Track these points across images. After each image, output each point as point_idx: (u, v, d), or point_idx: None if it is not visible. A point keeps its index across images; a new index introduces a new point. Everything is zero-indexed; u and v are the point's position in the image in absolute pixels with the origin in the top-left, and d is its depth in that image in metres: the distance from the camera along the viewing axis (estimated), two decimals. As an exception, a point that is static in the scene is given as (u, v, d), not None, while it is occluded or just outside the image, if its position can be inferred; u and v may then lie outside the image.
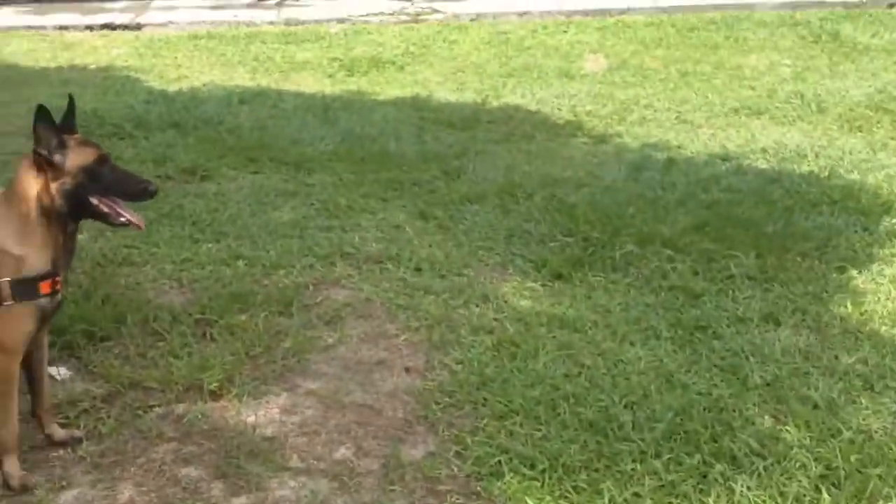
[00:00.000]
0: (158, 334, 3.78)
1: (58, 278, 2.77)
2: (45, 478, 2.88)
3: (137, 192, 2.90)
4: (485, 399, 3.28)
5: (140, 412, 3.24)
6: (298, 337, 3.78)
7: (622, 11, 11.36)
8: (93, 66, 9.56)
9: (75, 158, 2.73)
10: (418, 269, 4.45)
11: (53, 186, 2.69)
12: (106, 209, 2.80)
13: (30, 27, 11.78)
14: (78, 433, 3.10)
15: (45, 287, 2.72)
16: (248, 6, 12.85)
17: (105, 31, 11.56)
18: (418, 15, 11.96)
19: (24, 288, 2.68)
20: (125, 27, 11.72)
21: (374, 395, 3.38)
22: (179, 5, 12.82)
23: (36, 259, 2.70)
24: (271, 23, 11.82)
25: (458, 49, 10.09)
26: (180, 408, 3.27)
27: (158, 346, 3.69)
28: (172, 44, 10.65)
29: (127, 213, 2.85)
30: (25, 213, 2.69)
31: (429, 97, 8.11)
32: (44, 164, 2.70)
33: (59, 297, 2.83)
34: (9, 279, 2.66)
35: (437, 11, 12.10)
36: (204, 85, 8.57)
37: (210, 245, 4.78)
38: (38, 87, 8.48)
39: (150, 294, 4.19)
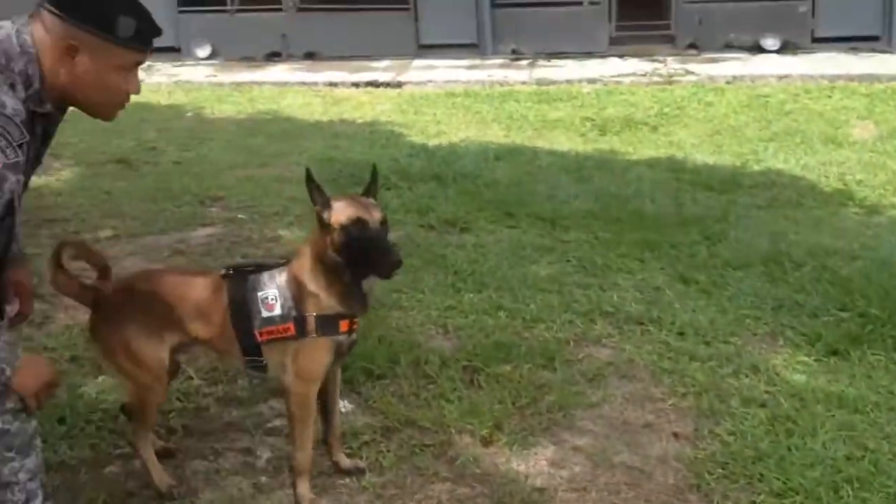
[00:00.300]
0: (429, 377, 3.95)
1: (355, 320, 2.99)
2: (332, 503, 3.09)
3: (390, 263, 2.90)
4: (761, 474, 3.18)
5: (416, 450, 3.39)
6: (562, 392, 3.83)
7: (892, 77, 10.81)
8: (360, 121, 10.20)
9: (337, 216, 2.87)
10: (681, 334, 4.40)
11: (327, 241, 2.88)
12: (377, 264, 2.90)
13: (303, 83, 12.75)
14: (361, 464, 3.29)
15: (343, 325, 2.95)
16: (502, 66, 13.30)
17: (370, 88, 12.32)
18: (671, 76, 11.91)
19: (327, 323, 2.92)
20: (388, 85, 12.45)
21: (642, 458, 3.36)
22: (438, 65, 13.47)
23: (327, 299, 2.91)
24: (524, 82, 12.16)
25: (713, 111, 9.96)
26: (453, 450, 3.40)
27: (429, 388, 3.86)
28: (431, 101, 11.20)
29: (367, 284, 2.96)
30: (313, 260, 2.92)
31: (685, 159, 8.04)
32: (324, 226, 2.90)
33: (354, 336, 3.05)
34: (314, 314, 2.91)
35: (690, 73, 12.02)
36: (461, 140, 8.93)
37: (472, 295, 4.95)
38: (313, 138, 9.16)
39: (420, 338, 4.38)
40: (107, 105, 2.35)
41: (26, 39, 2.18)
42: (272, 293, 2.93)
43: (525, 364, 4.07)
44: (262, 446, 3.44)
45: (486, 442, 3.45)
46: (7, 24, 2.22)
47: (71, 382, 3.91)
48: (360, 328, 4.28)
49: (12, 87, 2.13)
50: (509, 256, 5.56)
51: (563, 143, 8.87)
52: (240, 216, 6.48)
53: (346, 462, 3.27)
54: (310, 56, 14.56)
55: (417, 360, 4.07)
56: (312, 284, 2.92)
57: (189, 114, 10.71)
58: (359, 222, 2.84)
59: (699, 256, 5.46)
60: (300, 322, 2.90)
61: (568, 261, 5.48)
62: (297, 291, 2.93)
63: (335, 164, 7.84)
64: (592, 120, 9.81)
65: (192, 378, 3.94)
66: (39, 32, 2.20)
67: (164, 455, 3.25)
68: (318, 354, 2.96)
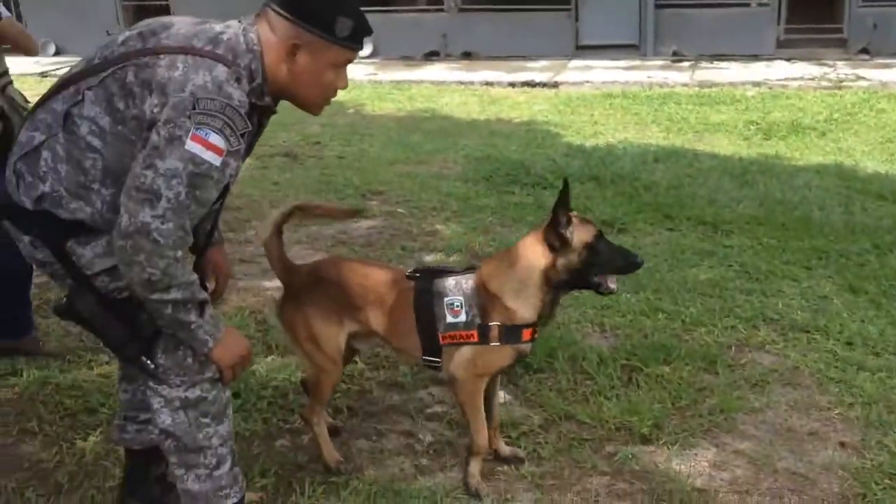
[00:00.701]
0: (587, 373, 3.96)
1: (537, 329, 3.03)
2: (492, 489, 3.14)
3: (630, 265, 3.04)
4: (935, 488, 3.05)
5: (574, 443, 3.41)
6: (724, 395, 3.76)
7: None
8: (516, 120, 10.27)
9: (580, 236, 2.91)
10: (849, 344, 4.25)
11: (560, 262, 2.91)
12: (598, 279, 2.97)
13: (460, 82, 12.93)
14: (521, 452, 3.34)
15: (526, 334, 2.99)
16: (662, 67, 13.09)
17: (526, 88, 12.37)
18: (841, 81, 11.45)
19: (511, 333, 2.97)
20: (544, 85, 12.46)
21: (806, 465, 3.27)
22: (596, 66, 13.39)
23: (524, 312, 2.97)
24: (685, 84, 11.94)
25: (886, 118, 9.52)
26: (611, 445, 3.40)
27: (587, 385, 3.87)
28: (588, 102, 11.15)
29: (612, 283, 3.01)
30: (527, 278, 2.95)
31: (855, 166, 7.73)
32: (555, 241, 2.90)
33: (534, 343, 3.10)
34: (499, 324, 2.96)
35: (861, 78, 11.52)
36: (619, 142, 8.86)
37: (629, 295, 4.92)
38: (470, 136, 9.28)
39: (576, 335, 4.39)
40: (317, 100, 2.50)
41: (252, 38, 2.35)
42: (458, 300, 2.99)
43: (685, 366, 4.02)
44: (424, 430, 3.53)
45: (646, 440, 3.43)
46: (234, 23, 2.39)
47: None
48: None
49: (238, 80, 2.29)
50: (668, 259, 5.50)
51: (726, 146, 8.66)
52: (399, 210, 6.65)
53: (505, 449, 3.33)
54: (467, 55, 14.75)
55: (575, 357, 4.08)
56: (510, 299, 2.96)
57: (350, 110, 11.03)
58: (599, 237, 2.94)
59: (869, 266, 5.25)
60: (484, 331, 2.96)
61: (730, 266, 5.37)
62: (485, 301, 2.97)
63: (491, 162, 7.92)
64: (757, 124, 9.54)
65: (356, 361, 4.08)
66: (265, 32, 2.36)
67: (330, 433, 3.38)
68: (496, 358, 3.03)
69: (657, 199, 6.70)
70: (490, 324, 2.94)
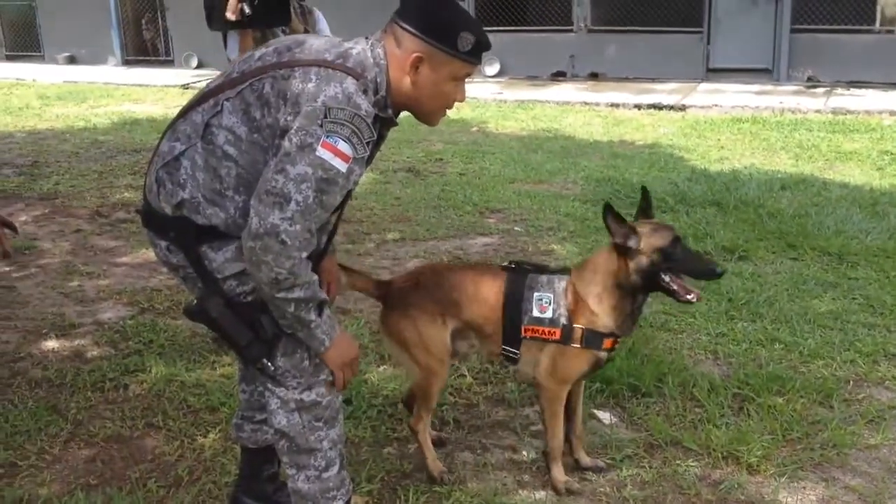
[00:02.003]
0: (696, 400, 3.93)
1: (618, 339, 3.13)
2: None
3: (706, 271, 3.13)
4: None
5: (679, 469, 3.39)
6: (837, 430, 3.67)
7: None
8: (639, 142, 10.18)
9: (650, 241, 3.02)
10: (978, 385, 4.08)
11: (631, 265, 3.03)
12: (675, 286, 3.04)
13: (585, 103, 12.90)
14: (601, 463, 3.40)
15: (608, 343, 3.09)
16: (795, 93, 12.76)
17: (652, 111, 12.25)
18: None
19: (593, 338, 3.07)
20: (671, 108, 12.31)
21: (922, 507, 3.17)
22: (726, 90, 13.15)
23: (605, 319, 3.07)
24: (818, 111, 11.60)
25: None
26: (717, 473, 3.37)
27: (696, 412, 3.84)
28: (716, 126, 10.96)
29: (693, 291, 3.06)
30: (605, 282, 3.08)
31: None
32: (621, 250, 3.05)
33: (613, 354, 3.19)
34: (583, 327, 3.06)
35: None
36: (745, 167, 8.67)
37: (745, 324, 4.84)
38: (591, 157, 9.27)
39: (688, 361, 4.35)
40: (436, 111, 2.61)
41: (379, 53, 2.48)
42: (547, 296, 3.12)
43: (799, 398, 3.94)
44: (528, 447, 3.58)
45: (753, 470, 3.38)
46: (363, 40, 2.53)
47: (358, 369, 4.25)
48: (628, 346, 4.38)
49: (365, 92, 2.41)
50: (789, 288, 5.38)
51: (857, 176, 8.37)
52: (516, 228, 6.70)
53: (586, 460, 3.40)
54: (594, 76, 14.71)
55: (685, 383, 4.05)
56: (594, 302, 3.08)
57: (474, 128, 11.16)
58: (675, 241, 3.03)
59: None
60: (568, 331, 3.07)
61: (853, 298, 5.21)
62: (574, 303, 3.09)
63: (612, 183, 7.89)
64: (891, 153, 9.18)
65: (464, 376, 4.16)
66: (391, 46, 2.49)
67: (436, 443, 3.47)
68: (576, 363, 3.12)
69: (781, 227, 6.55)
70: (574, 325, 3.06)
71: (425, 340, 3.20)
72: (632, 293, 3.07)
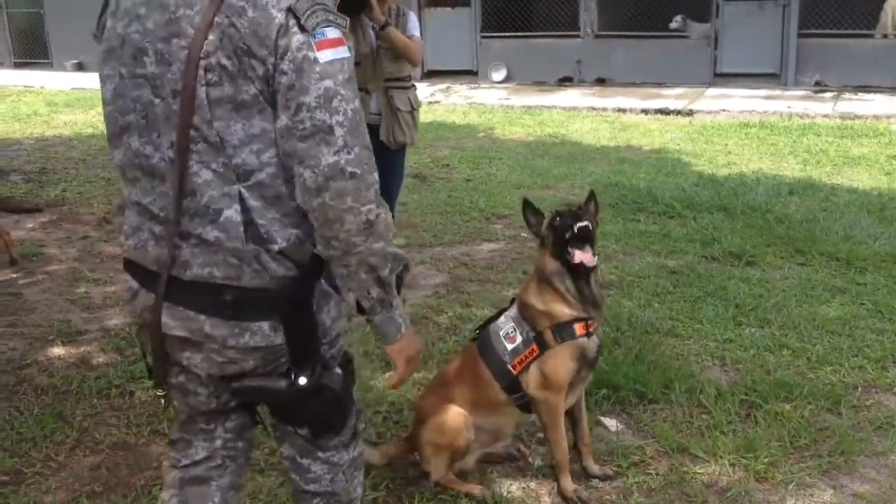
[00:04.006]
0: (703, 406, 3.90)
1: (590, 321, 3.16)
2: (598, 516, 3.15)
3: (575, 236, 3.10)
4: None
5: (686, 476, 3.37)
6: (846, 437, 3.64)
7: None
8: (646, 148, 10.16)
9: (547, 223, 3.17)
10: None
11: (546, 250, 3.17)
12: (577, 257, 3.08)
13: (592, 108, 12.89)
14: (610, 471, 3.39)
15: (579, 328, 3.13)
16: (803, 98, 12.73)
17: (659, 116, 12.23)
18: None
19: (563, 329, 3.13)
20: (678, 112, 12.29)
21: (931, 514, 3.15)
22: (733, 94, 13.13)
23: (560, 308, 3.14)
24: (826, 116, 11.57)
25: None
26: (724, 481, 3.35)
27: (703, 418, 3.81)
28: (723, 130, 10.93)
29: (577, 256, 3.08)
30: (539, 279, 3.20)
31: None
32: (542, 242, 3.20)
33: (595, 339, 3.20)
34: (548, 326, 3.12)
35: None
36: (753, 172, 8.66)
37: (753, 329, 4.82)
38: (598, 163, 9.26)
39: (695, 367, 4.33)
40: None
41: None
42: (509, 327, 3.22)
43: (807, 405, 3.91)
44: (534, 454, 3.56)
45: (761, 478, 3.36)
46: None
47: (362, 374, 4.24)
48: (635, 352, 4.36)
49: None
50: (797, 294, 5.35)
51: (866, 180, 8.35)
52: (522, 234, 6.68)
53: (594, 468, 3.39)
54: (600, 82, 14.71)
55: (692, 389, 4.03)
56: (539, 303, 3.16)
57: (481, 134, 11.16)
58: (557, 215, 3.14)
59: None
60: (539, 338, 3.13)
61: (862, 304, 5.18)
62: (529, 314, 3.18)
63: (618, 189, 7.88)
64: (900, 158, 9.16)
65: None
66: None
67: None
68: (561, 361, 3.14)
69: (789, 232, 6.52)
70: (541, 330, 3.13)
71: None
72: (564, 278, 3.13)
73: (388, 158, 5.16)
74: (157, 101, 1.94)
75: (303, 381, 2.06)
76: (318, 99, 1.86)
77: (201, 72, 1.87)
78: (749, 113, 11.92)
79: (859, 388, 4.13)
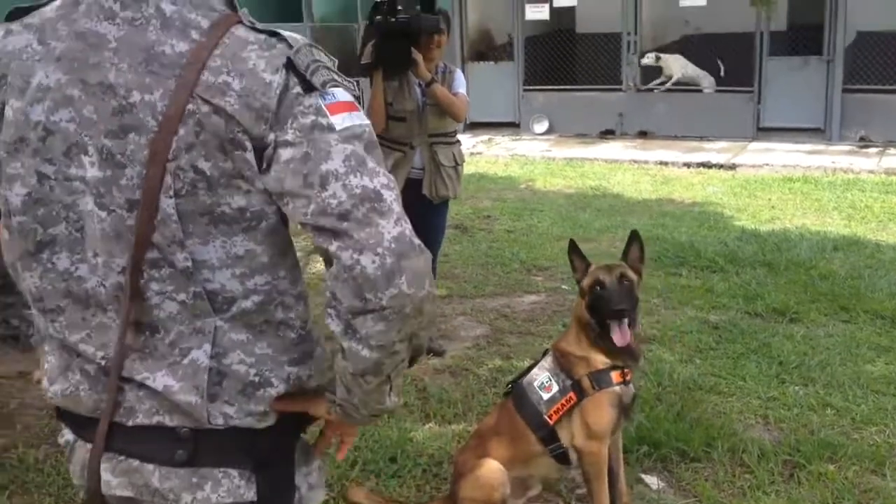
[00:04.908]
0: (746, 466, 3.87)
1: (626, 370, 3.21)
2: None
3: (609, 312, 3.17)
4: None
5: (728, 538, 3.34)
6: (890, 499, 3.59)
7: None
8: (688, 201, 10.14)
9: (589, 279, 3.24)
10: None
11: (584, 303, 3.23)
12: (612, 327, 3.15)
13: (634, 161, 12.89)
14: None
15: (616, 377, 3.18)
16: (848, 153, 12.64)
17: (702, 169, 12.20)
18: None
19: (600, 377, 3.17)
20: (721, 166, 12.25)
21: (981, 583, 3.08)
22: (777, 149, 13.06)
23: (597, 356, 3.19)
24: (871, 171, 11.47)
25: None
26: (766, 543, 3.32)
27: (746, 478, 3.78)
28: (766, 185, 10.88)
29: (622, 335, 3.14)
30: (577, 327, 3.27)
31: None
32: (581, 291, 3.29)
33: (631, 388, 3.25)
34: (586, 374, 3.18)
35: None
36: (796, 227, 8.59)
37: (797, 388, 4.78)
38: (640, 216, 9.25)
39: (737, 425, 4.30)
40: None
41: None
42: (545, 376, 3.26)
43: (851, 465, 3.86)
44: (573, 508, 3.56)
45: (804, 540, 3.32)
46: None
47: (402, 427, 4.26)
48: (677, 409, 4.33)
49: None
50: (841, 352, 5.30)
51: (911, 236, 8.26)
52: (563, 287, 6.70)
53: None
54: (643, 135, 14.73)
55: (734, 448, 4.00)
56: (577, 349, 3.22)
57: (522, 186, 11.22)
58: (598, 282, 3.18)
59: None
60: (577, 386, 3.17)
61: (908, 363, 5.12)
62: (566, 362, 3.23)
63: (660, 242, 7.86)
64: (946, 214, 9.04)
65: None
66: None
67: None
68: (602, 409, 3.18)
69: (833, 289, 6.46)
70: (578, 377, 3.16)
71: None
72: (601, 330, 3.18)
73: (432, 212, 5.23)
74: (101, 213, 1.47)
75: None
76: (346, 163, 1.41)
77: (168, 178, 1.43)
78: (793, 167, 11.85)
79: (905, 450, 4.07)
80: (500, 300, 6.44)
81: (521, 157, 13.44)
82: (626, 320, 3.14)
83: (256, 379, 1.52)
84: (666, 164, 12.64)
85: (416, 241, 1.42)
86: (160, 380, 1.51)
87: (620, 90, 15.05)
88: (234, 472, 1.54)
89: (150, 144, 1.43)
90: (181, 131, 1.42)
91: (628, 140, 14.65)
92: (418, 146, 5.07)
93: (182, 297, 1.49)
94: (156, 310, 1.50)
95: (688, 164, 12.49)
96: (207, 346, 1.50)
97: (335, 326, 1.43)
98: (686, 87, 14.61)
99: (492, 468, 3.21)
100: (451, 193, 5.25)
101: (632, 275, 3.25)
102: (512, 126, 15.53)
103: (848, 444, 4.06)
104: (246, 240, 1.49)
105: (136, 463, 1.54)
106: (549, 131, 15.37)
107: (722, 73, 14.38)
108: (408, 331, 1.42)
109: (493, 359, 5.25)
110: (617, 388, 3.18)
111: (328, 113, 1.44)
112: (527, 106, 15.46)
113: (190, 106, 1.42)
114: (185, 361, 1.50)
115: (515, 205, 9.89)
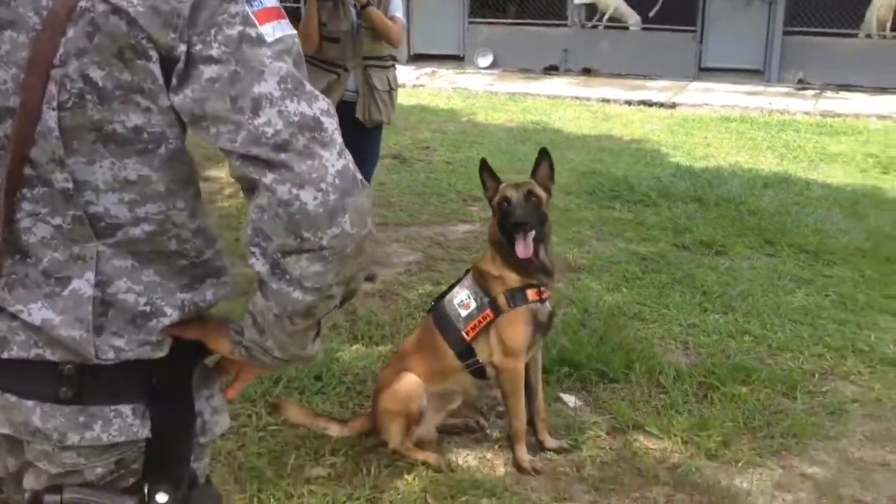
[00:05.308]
0: (661, 387, 3.98)
1: (543, 289, 3.28)
2: (551, 487, 3.21)
3: (514, 226, 3.22)
4: None
5: (639, 452, 3.45)
6: (799, 420, 3.72)
7: None
8: (627, 138, 10.22)
9: (498, 196, 3.31)
10: (940, 380, 4.14)
11: (494, 221, 3.31)
12: (517, 242, 3.21)
13: (576, 97, 12.92)
14: (565, 444, 3.47)
15: (533, 294, 3.25)
16: (785, 94, 12.82)
17: (642, 107, 12.28)
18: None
19: (516, 295, 3.24)
20: (661, 105, 12.35)
21: (873, 495, 3.23)
22: (716, 89, 13.20)
23: (512, 274, 3.26)
24: (806, 113, 11.66)
25: None
26: (676, 456, 3.43)
27: (661, 398, 3.89)
28: (704, 124, 11.01)
29: (519, 249, 3.19)
30: (492, 247, 3.34)
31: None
32: (492, 208, 3.36)
33: (547, 306, 3.33)
34: (502, 292, 3.24)
35: None
36: (729, 165, 8.72)
37: (717, 316, 4.90)
38: (578, 151, 9.30)
39: (657, 349, 4.41)
40: None
41: None
42: (464, 294, 3.32)
43: (764, 389, 3.99)
44: (493, 427, 3.63)
45: (712, 456, 3.44)
46: None
47: (329, 347, 4.30)
48: (600, 334, 4.42)
49: None
50: (763, 283, 5.44)
51: (840, 177, 8.43)
52: (499, 217, 6.73)
53: (550, 441, 3.48)
54: (586, 72, 14.74)
55: (652, 370, 4.10)
56: (493, 268, 3.29)
57: (463, 118, 11.19)
58: (505, 199, 3.25)
59: (975, 307, 5.07)
60: (493, 303, 3.24)
61: (827, 295, 5.27)
62: (484, 281, 3.29)
63: (596, 177, 7.94)
64: (876, 157, 9.24)
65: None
66: None
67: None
68: (517, 326, 3.26)
69: (760, 223, 6.60)
70: (495, 296, 3.23)
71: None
72: (505, 247, 3.25)
73: (364, 137, 5.19)
74: None
75: (162, 499, 1.42)
76: (282, 85, 1.23)
77: (52, 87, 1.24)
78: (731, 108, 11.99)
79: (816, 375, 4.21)
80: (434, 228, 6.47)
81: (464, 90, 13.38)
82: (531, 233, 3.18)
83: (147, 308, 1.36)
84: (608, 101, 12.70)
85: (359, 175, 1.27)
86: (37, 313, 1.33)
87: (566, 26, 15.01)
88: (126, 409, 1.38)
89: (31, 45, 1.23)
90: (70, 32, 1.21)
91: (572, 77, 14.66)
92: (352, 69, 5.02)
93: (58, 220, 1.31)
94: (25, 234, 1.32)
95: (629, 102, 12.56)
96: (90, 275, 1.33)
97: (260, 266, 1.26)
98: (617, 24, 14.68)
99: (409, 381, 3.27)
100: (384, 118, 5.21)
101: (540, 192, 3.31)
102: (456, 59, 15.43)
103: (762, 368, 4.19)
104: (140, 164, 1.30)
105: (13, 399, 1.37)
106: (493, 65, 15.30)
107: (651, 14, 14.39)
108: (346, 273, 1.28)
109: (424, 284, 5.28)
110: (533, 306, 3.24)
111: (256, 22, 1.25)
112: (472, 39, 15.35)
113: (82, 3, 1.21)
114: (66, 293, 1.33)
115: (455, 137, 9.87)
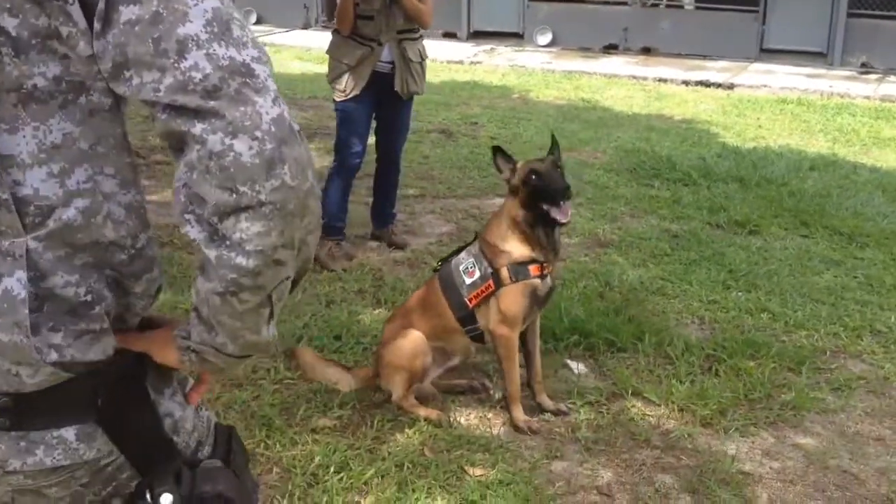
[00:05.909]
0: (668, 358, 4.07)
1: (545, 264, 3.41)
2: (544, 445, 3.35)
3: (558, 192, 3.37)
4: None
5: (635, 417, 3.56)
6: (801, 394, 3.79)
7: None
8: (678, 118, 10.19)
9: (521, 173, 3.43)
10: (960, 363, 4.15)
11: (518, 200, 3.42)
12: (552, 212, 3.36)
13: (633, 76, 12.88)
14: (564, 407, 3.60)
15: (534, 270, 3.39)
16: (847, 78, 12.61)
17: (699, 88, 12.20)
18: None
19: (518, 270, 3.38)
20: (719, 85, 12.25)
21: (861, 466, 3.30)
22: (777, 70, 13.04)
23: (519, 250, 3.39)
24: (867, 97, 11.46)
25: None
26: (671, 423, 3.53)
27: (666, 368, 3.98)
28: (759, 105, 10.91)
29: (559, 214, 3.35)
30: (505, 223, 3.44)
31: None
32: (511, 190, 3.48)
33: (548, 282, 3.47)
34: (506, 265, 3.37)
35: None
36: (778, 147, 8.66)
37: (740, 293, 4.95)
38: (626, 129, 9.32)
39: (672, 323, 4.49)
40: None
41: None
42: (469, 262, 3.46)
43: (770, 363, 4.05)
44: (496, 388, 3.77)
45: (706, 423, 3.53)
46: None
47: (352, 309, 4.48)
48: (616, 306, 4.52)
49: None
50: (792, 263, 5.46)
51: (891, 161, 8.33)
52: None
53: (548, 403, 3.61)
54: (646, 51, 14.66)
55: (661, 342, 4.19)
56: (501, 242, 3.41)
57: (515, 95, 11.26)
58: (533, 171, 3.38)
59: None
60: (496, 276, 3.37)
61: (854, 276, 5.28)
62: (490, 252, 3.42)
63: (639, 155, 7.97)
64: (932, 142, 9.09)
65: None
66: None
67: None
68: (515, 298, 3.40)
69: (799, 205, 6.58)
70: (498, 268, 3.36)
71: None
72: (532, 225, 3.38)
73: (400, 108, 5.34)
74: None
75: (167, 500, 1.31)
76: (208, 28, 1.10)
77: None
78: (790, 90, 11.84)
79: (827, 353, 4.26)
80: (470, 201, 6.60)
81: (521, 67, 13.43)
82: (570, 199, 3.37)
83: (88, 298, 1.23)
84: (665, 80, 12.63)
85: (297, 125, 1.16)
86: None
87: (626, 4, 14.94)
88: (69, 433, 1.27)
89: None
90: None
91: (631, 56, 14.59)
92: (386, 42, 5.16)
93: None
94: None
95: (686, 82, 12.48)
96: (21, 274, 1.18)
97: (197, 233, 1.13)
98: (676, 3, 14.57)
99: (415, 338, 3.43)
100: (419, 89, 5.34)
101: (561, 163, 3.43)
102: (516, 36, 15.46)
103: (774, 344, 4.25)
104: (63, 119, 1.17)
105: None
106: (552, 43, 15.30)
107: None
108: (292, 234, 1.15)
109: (453, 254, 5.42)
110: (533, 281, 3.37)
111: None
112: (531, 16, 15.36)
113: None
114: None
115: (504, 113, 9.96)
